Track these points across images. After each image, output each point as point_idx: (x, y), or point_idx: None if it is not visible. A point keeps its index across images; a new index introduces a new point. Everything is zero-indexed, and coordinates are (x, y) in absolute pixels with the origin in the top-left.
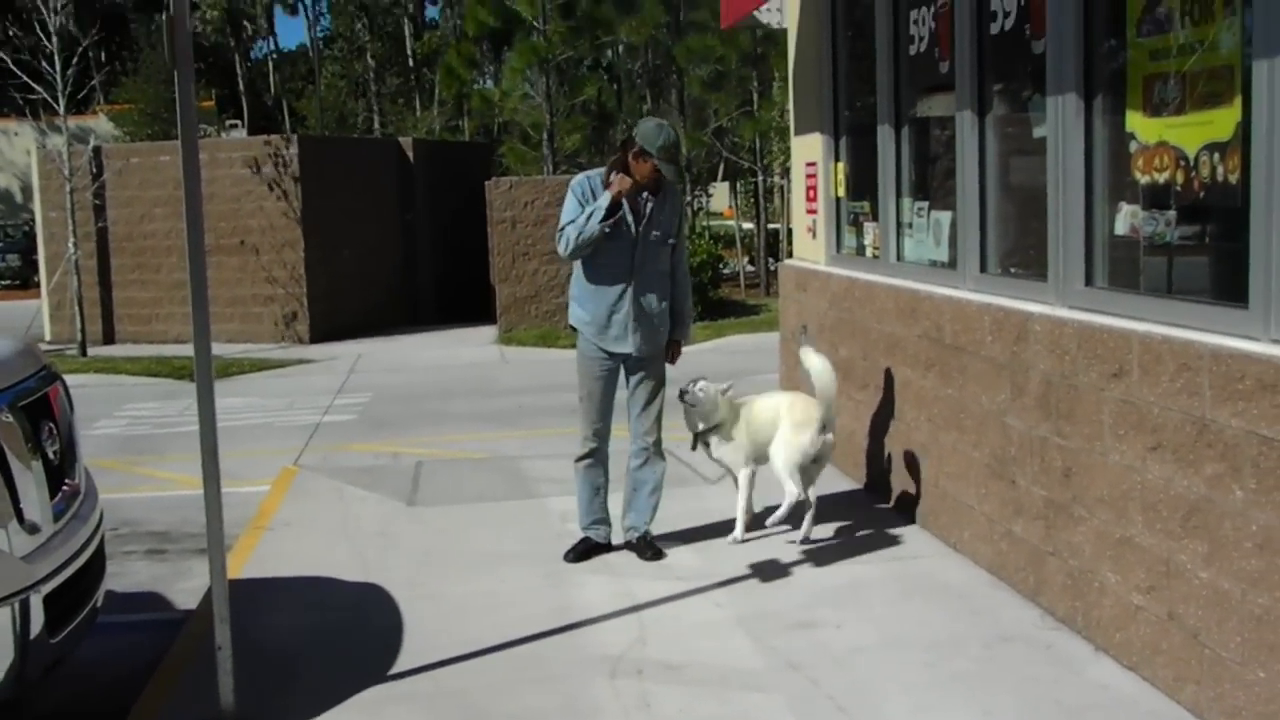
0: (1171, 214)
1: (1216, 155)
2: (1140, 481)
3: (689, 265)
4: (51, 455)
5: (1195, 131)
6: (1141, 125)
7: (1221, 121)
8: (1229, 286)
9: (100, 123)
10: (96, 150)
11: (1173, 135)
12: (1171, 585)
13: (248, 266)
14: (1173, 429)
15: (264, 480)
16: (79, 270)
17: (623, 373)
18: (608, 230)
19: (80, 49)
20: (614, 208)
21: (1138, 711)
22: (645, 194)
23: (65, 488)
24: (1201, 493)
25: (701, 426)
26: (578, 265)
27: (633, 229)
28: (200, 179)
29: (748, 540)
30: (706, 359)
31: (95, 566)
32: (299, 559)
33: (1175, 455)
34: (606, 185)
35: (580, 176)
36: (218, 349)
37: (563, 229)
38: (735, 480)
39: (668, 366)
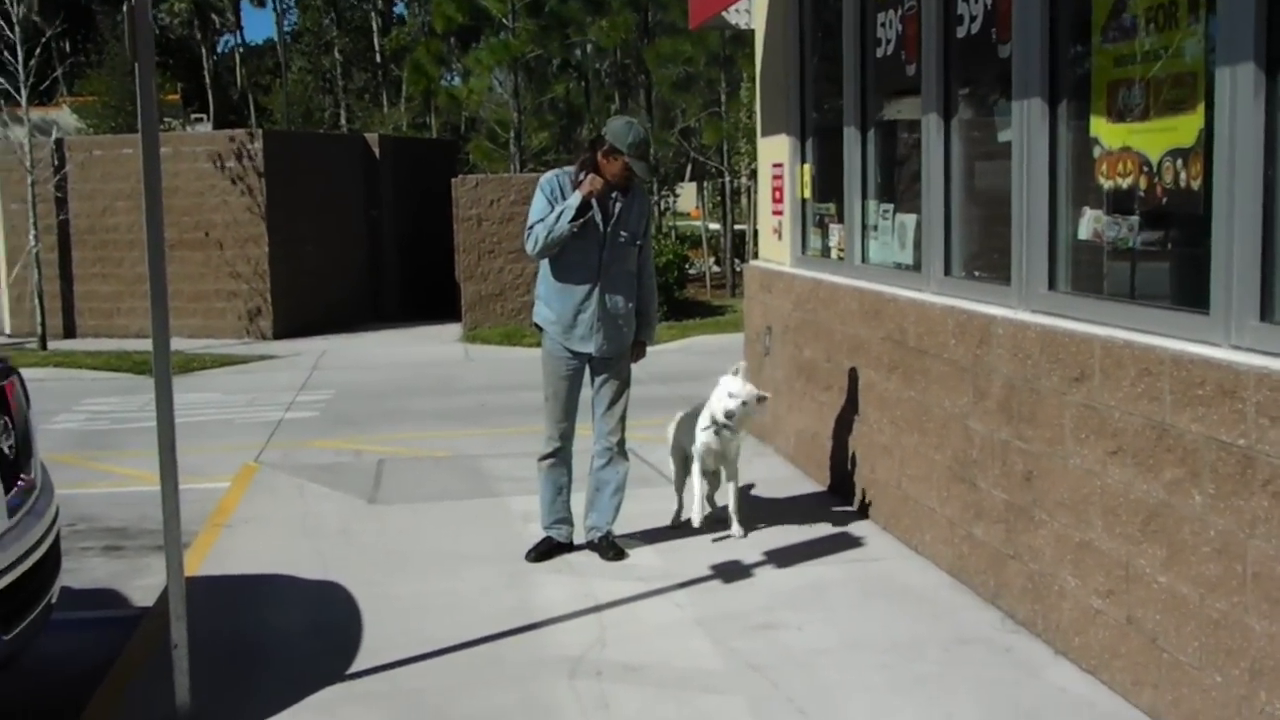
0: (1134, 219)
1: (1179, 161)
2: (1100, 486)
3: (655, 265)
4: (6, 450)
5: (1159, 137)
6: (1106, 131)
7: (1185, 128)
8: (1191, 292)
9: (63, 115)
10: (59, 142)
11: (1136, 141)
12: (1130, 589)
13: (211, 261)
14: (1133, 434)
15: (224, 477)
16: (39, 263)
17: (588, 372)
18: (576, 230)
19: (43, 40)
20: (584, 207)
21: (1095, 714)
22: (614, 194)
23: (20, 482)
24: (1161, 497)
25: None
26: (544, 264)
27: (601, 229)
28: (160, 173)
29: (717, 540)
30: (672, 359)
31: (50, 562)
32: (258, 556)
33: (1135, 460)
34: (576, 184)
35: (549, 174)
36: (180, 344)
37: (531, 227)
38: (726, 475)
39: (633, 367)
